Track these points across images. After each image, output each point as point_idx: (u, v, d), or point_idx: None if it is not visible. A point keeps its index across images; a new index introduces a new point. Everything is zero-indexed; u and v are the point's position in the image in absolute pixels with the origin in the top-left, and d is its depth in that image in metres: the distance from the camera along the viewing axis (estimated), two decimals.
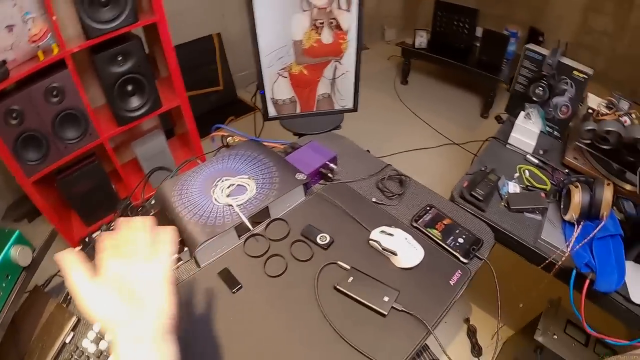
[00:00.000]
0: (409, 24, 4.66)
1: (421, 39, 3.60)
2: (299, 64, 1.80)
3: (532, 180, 1.54)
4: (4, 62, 1.74)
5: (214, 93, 3.56)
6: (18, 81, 1.79)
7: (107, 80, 1.98)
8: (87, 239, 1.36)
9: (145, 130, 2.52)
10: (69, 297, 1.16)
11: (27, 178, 1.96)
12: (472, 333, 1.97)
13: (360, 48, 1.78)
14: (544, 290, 1.43)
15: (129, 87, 2.06)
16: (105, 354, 1.00)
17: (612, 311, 1.24)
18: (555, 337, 1.45)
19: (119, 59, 1.97)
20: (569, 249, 1.28)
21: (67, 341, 1.05)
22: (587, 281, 1.20)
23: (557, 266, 1.28)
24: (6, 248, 0.98)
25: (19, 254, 0.99)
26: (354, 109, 1.93)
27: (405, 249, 1.11)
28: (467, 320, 2.04)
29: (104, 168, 2.20)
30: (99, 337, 1.03)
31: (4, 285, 0.96)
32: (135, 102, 2.11)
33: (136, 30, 2.02)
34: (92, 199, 2.21)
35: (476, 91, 3.74)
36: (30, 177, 1.97)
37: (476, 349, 1.92)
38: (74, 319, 1.07)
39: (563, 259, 1.27)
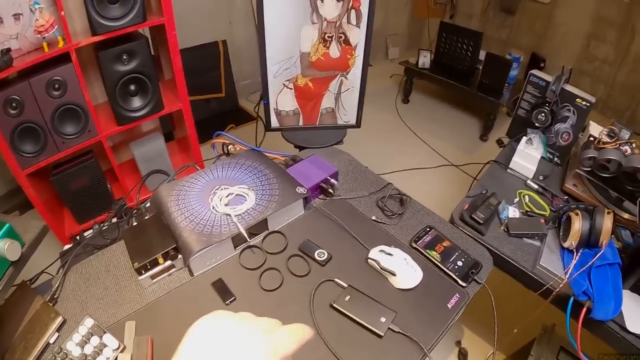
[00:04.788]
0: (413, 44, 4.69)
1: (424, 59, 3.62)
2: (305, 76, 1.80)
3: (531, 206, 1.53)
4: (9, 50, 1.73)
5: (215, 99, 3.57)
6: (20, 71, 1.78)
7: (111, 78, 1.96)
8: (78, 237, 1.34)
9: (145, 132, 2.50)
10: (55, 295, 1.14)
11: (21, 170, 1.93)
12: (463, 356, 1.94)
13: (366, 64, 1.78)
14: (540, 317, 1.41)
15: (132, 87, 2.05)
16: (89, 358, 0.97)
17: (607, 339, 1.23)
18: None
19: (124, 57, 1.95)
20: (567, 276, 1.27)
21: (52, 342, 1.03)
22: (584, 309, 1.19)
23: (554, 293, 1.27)
24: None
25: (7, 248, 0.98)
26: (357, 125, 1.92)
27: (404, 270, 1.10)
28: (458, 343, 2.01)
29: (100, 166, 2.17)
30: (85, 341, 1.00)
31: None
32: (137, 102, 2.09)
33: (143, 30, 2.01)
34: (86, 197, 2.18)
35: (476, 113, 3.75)
36: (25, 169, 1.94)
37: None
38: (59, 319, 1.05)
39: (561, 285, 1.26)
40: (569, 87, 1.65)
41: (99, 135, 2.08)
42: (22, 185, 1.99)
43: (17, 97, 1.78)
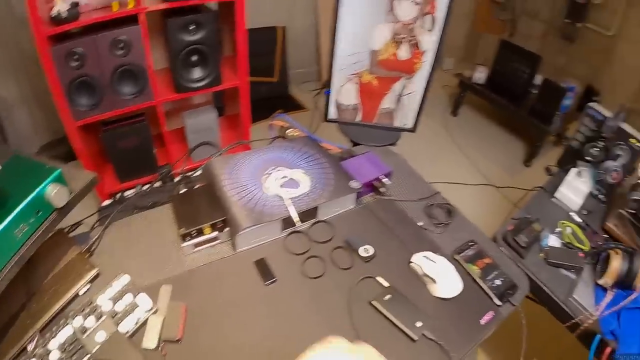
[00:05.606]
0: (468, 56, 4.64)
1: (480, 75, 3.59)
2: (370, 74, 1.80)
3: (572, 238, 1.51)
4: (77, 4, 1.78)
5: (266, 83, 3.62)
6: (87, 26, 1.82)
7: (175, 46, 2.00)
8: (118, 195, 1.36)
9: (196, 104, 2.54)
10: (92, 248, 1.15)
11: (74, 121, 1.98)
12: None
13: (433, 71, 1.79)
14: (563, 350, 1.40)
15: (194, 58, 2.09)
16: (120, 315, 0.98)
17: None
18: None
19: (191, 27, 1.99)
20: (597, 313, 1.26)
21: (82, 293, 1.04)
22: (609, 349, 1.19)
23: (582, 327, 1.27)
24: (43, 184, 0.95)
25: (55, 193, 0.96)
26: (413, 129, 1.91)
27: (445, 279, 1.10)
28: None
29: (150, 130, 2.22)
30: (117, 297, 1.01)
31: (31, 220, 0.94)
32: (197, 73, 2.14)
33: (210, 3, 2.05)
34: (131, 158, 2.23)
35: (523, 137, 3.69)
36: (77, 121, 1.99)
37: None
38: (94, 272, 1.06)
39: (590, 321, 1.25)
40: (625, 126, 1.62)
41: (154, 99, 2.12)
42: (71, 137, 2.04)
43: (79, 51, 1.83)
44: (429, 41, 1.71)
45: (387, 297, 1.05)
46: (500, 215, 1.57)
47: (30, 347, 0.94)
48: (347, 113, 1.88)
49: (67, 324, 0.96)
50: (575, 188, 1.68)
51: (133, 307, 1.00)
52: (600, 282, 1.34)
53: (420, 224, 1.31)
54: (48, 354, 0.91)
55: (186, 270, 1.12)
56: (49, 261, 1.09)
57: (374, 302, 1.04)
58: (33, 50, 1.76)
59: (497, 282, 1.17)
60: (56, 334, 0.94)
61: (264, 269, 1.11)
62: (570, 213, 1.65)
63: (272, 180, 1.23)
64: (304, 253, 1.15)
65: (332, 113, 1.87)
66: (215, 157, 1.36)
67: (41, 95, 2.74)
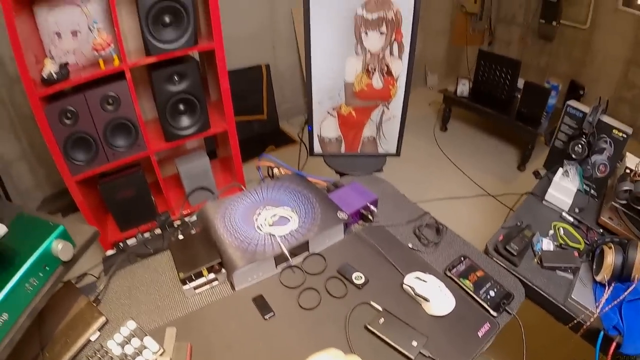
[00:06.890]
0: (452, 71, 4.68)
1: (463, 87, 3.63)
2: (348, 105, 1.84)
3: (566, 239, 1.52)
4: (66, 64, 1.85)
5: (257, 121, 3.69)
6: (76, 85, 1.88)
7: (162, 97, 2.05)
8: (121, 244, 1.41)
9: (189, 149, 2.58)
10: (99, 297, 1.20)
11: (71, 176, 2.02)
12: None
13: (407, 95, 1.83)
14: (570, 351, 1.40)
15: (181, 106, 2.13)
16: (129, 358, 1.01)
17: None
18: None
19: (175, 78, 2.04)
20: (598, 310, 1.26)
21: (93, 339, 1.08)
22: (614, 344, 1.18)
23: (585, 327, 1.26)
24: (49, 240, 1.01)
25: (61, 249, 1.02)
26: (397, 154, 1.95)
27: (438, 297, 1.13)
28: None
29: (146, 179, 2.27)
30: (126, 341, 1.05)
31: (40, 275, 0.99)
32: (185, 121, 2.18)
33: (193, 53, 2.10)
34: (130, 207, 2.26)
35: (514, 143, 3.72)
36: (75, 175, 2.03)
37: None
38: (102, 319, 1.11)
39: (592, 319, 1.25)
40: (605, 118, 1.64)
41: (147, 149, 2.16)
42: (71, 191, 2.08)
43: (72, 109, 1.88)
44: (400, 67, 1.75)
45: (382, 320, 1.07)
46: (498, 223, 1.58)
47: None
48: (331, 146, 1.91)
49: None
50: (563, 188, 1.69)
51: (141, 349, 1.03)
52: (598, 278, 1.33)
53: (410, 245, 1.34)
54: None
55: (189, 312, 1.15)
56: (60, 312, 1.13)
57: (369, 326, 1.06)
58: (29, 107, 1.82)
59: (491, 293, 1.19)
60: None
61: (262, 305, 1.14)
62: (563, 214, 1.65)
63: (263, 219, 1.28)
64: (299, 286, 1.19)
65: (317, 147, 1.90)
66: (211, 201, 1.40)
67: (40, 149, 2.79)
